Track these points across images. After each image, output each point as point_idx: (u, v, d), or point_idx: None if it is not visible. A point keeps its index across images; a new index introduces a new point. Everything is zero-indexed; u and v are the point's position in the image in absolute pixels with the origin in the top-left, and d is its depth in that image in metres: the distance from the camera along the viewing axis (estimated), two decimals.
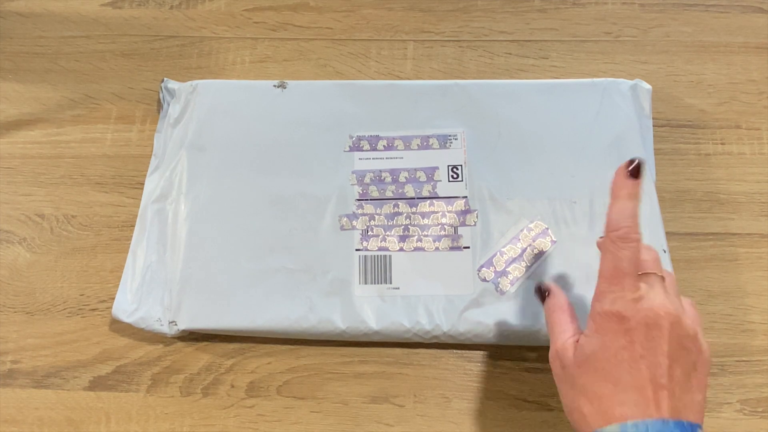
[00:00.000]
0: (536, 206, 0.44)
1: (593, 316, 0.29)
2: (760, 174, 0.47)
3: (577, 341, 0.30)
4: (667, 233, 0.43)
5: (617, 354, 0.28)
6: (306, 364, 0.43)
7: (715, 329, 0.43)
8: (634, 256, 0.29)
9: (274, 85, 0.49)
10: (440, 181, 0.45)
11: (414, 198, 0.45)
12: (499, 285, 0.42)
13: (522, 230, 0.43)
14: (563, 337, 0.31)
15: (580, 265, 0.42)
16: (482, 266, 0.42)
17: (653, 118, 0.48)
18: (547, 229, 0.43)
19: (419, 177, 0.45)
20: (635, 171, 0.30)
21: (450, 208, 0.44)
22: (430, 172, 0.45)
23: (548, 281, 0.35)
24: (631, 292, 0.28)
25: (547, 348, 0.42)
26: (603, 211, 0.43)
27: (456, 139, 0.46)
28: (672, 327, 0.28)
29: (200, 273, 0.43)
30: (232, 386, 0.42)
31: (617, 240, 0.29)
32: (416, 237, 0.44)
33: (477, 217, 0.44)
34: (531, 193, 0.44)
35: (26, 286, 0.46)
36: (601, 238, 0.32)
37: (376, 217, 0.44)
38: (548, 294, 0.34)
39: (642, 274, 0.29)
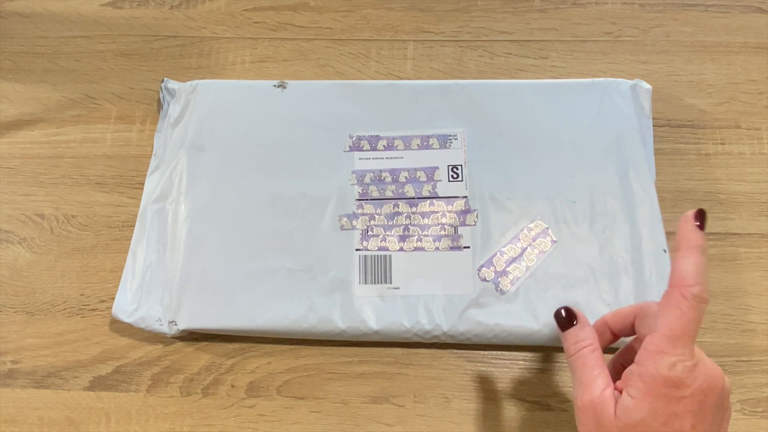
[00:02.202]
0: (536, 206, 0.44)
1: (644, 377, 0.27)
2: (760, 174, 0.47)
3: (617, 398, 0.28)
4: (667, 233, 0.43)
5: (667, 423, 0.26)
6: (306, 364, 0.43)
7: (715, 329, 0.43)
8: (702, 318, 0.27)
9: (274, 85, 0.49)
10: (440, 181, 0.45)
11: (414, 198, 0.45)
12: (500, 285, 0.42)
13: (522, 230, 0.43)
14: (598, 387, 0.29)
15: (580, 265, 0.42)
16: (482, 266, 0.42)
17: (653, 118, 0.47)
18: (547, 228, 0.43)
19: (419, 177, 0.45)
20: (703, 221, 0.28)
21: (450, 208, 0.44)
22: (430, 172, 0.45)
23: (573, 307, 0.32)
24: (691, 357, 0.27)
25: (547, 348, 0.42)
26: (603, 211, 0.43)
27: (456, 139, 0.46)
28: (722, 391, 0.27)
29: (200, 273, 0.43)
30: (232, 386, 0.42)
31: (691, 298, 0.27)
32: (416, 237, 0.43)
33: (477, 216, 0.44)
34: (531, 193, 0.44)
35: (26, 286, 0.46)
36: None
37: (376, 217, 0.44)
38: (575, 322, 0.31)
39: None
